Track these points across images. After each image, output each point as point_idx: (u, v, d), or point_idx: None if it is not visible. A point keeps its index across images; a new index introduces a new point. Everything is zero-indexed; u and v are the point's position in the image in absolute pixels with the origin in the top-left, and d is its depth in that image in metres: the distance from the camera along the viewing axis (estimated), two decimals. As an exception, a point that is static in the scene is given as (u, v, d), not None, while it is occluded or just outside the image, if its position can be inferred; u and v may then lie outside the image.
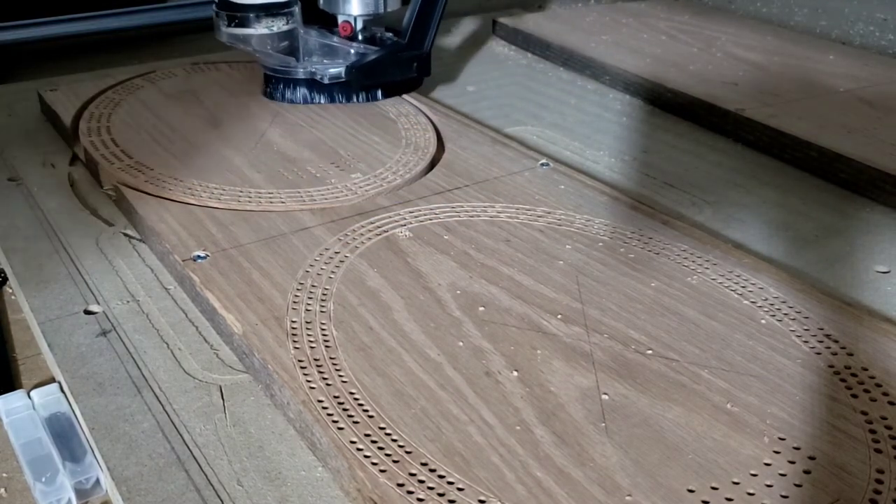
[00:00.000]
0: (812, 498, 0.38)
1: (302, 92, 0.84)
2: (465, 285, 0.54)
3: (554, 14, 1.25)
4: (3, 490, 0.44)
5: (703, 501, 0.38)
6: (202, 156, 0.72)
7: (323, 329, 0.49)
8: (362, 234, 0.60)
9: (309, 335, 0.49)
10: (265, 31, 0.81)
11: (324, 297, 0.52)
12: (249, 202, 0.64)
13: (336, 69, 0.84)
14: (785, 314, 0.51)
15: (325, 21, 0.88)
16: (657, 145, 0.83)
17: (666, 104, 0.91)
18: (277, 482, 0.42)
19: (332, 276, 0.55)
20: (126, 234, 0.64)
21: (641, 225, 0.62)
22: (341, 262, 0.56)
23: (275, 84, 0.85)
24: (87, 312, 0.55)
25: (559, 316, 0.51)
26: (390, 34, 0.89)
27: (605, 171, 0.77)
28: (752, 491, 0.39)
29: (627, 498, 0.38)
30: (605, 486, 0.39)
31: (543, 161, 0.72)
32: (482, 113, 0.90)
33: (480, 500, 0.38)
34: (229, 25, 0.80)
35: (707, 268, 0.56)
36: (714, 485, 0.39)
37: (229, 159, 0.71)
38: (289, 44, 0.84)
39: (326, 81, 0.83)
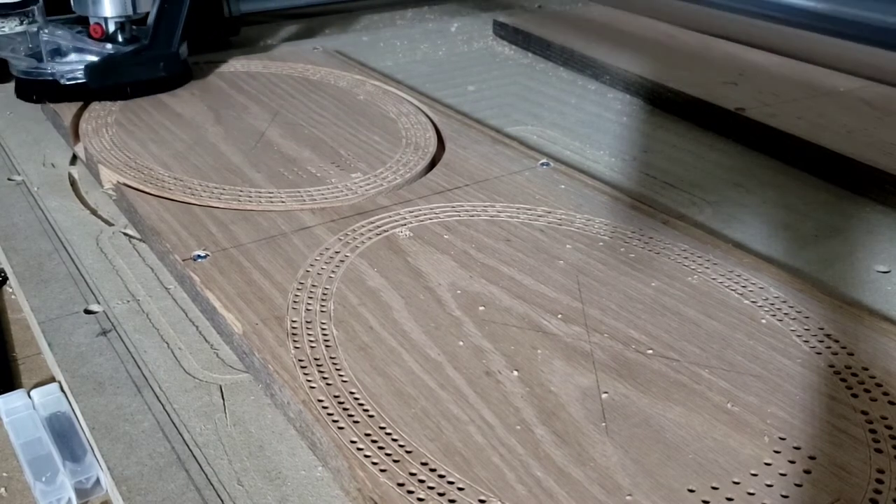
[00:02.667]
0: (812, 498, 0.38)
1: (49, 93, 0.83)
2: (465, 285, 0.54)
3: (554, 14, 1.25)
4: (3, 490, 0.44)
5: (703, 501, 0.38)
6: (202, 155, 0.72)
7: (323, 329, 0.49)
8: (362, 234, 0.60)
9: (309, 335, 0.49)
10: None
11: (324, 297, 0.52)
12: (250, 202, 0.64)
13: (75, 71, 0.82)
14: (785, 314, 0.51)
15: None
16: (657, 145, 0.83)
17: (666, 104, 0.91)
18: (278, 482, 0.42)
19: (332, 275, 0.55)
20: (126, 234, 0.64)
21: (642, 225, 0.62)
22: (342, 261, 0.56)
23: (22, 86, 0.85)
24: (87, 312, 0.55)
25: (559, 315, 0.51)
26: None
27: (605, 170, 0.77)
28: (752, 491, 0.39)
29: (628, 498, 0.38)
30: (605, 486, 0.39)
31: (544, 161, 0.72)
32: (482, 113, 0.90)
33: (481, 500, 0.38)
34: None
35: (707, 268, 0.56)
36: (714, 484, 0.39)
37: (229, 159, 0.71)
38: (32, 45, 0.83)
39: (64, 82, 0.82)
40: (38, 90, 0.83)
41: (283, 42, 1.16)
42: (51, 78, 0.82)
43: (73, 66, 0.82)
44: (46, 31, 0.83)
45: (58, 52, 0.83)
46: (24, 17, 0.79)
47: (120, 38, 0.85)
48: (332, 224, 0.61)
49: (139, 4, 0.85)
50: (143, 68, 0.84)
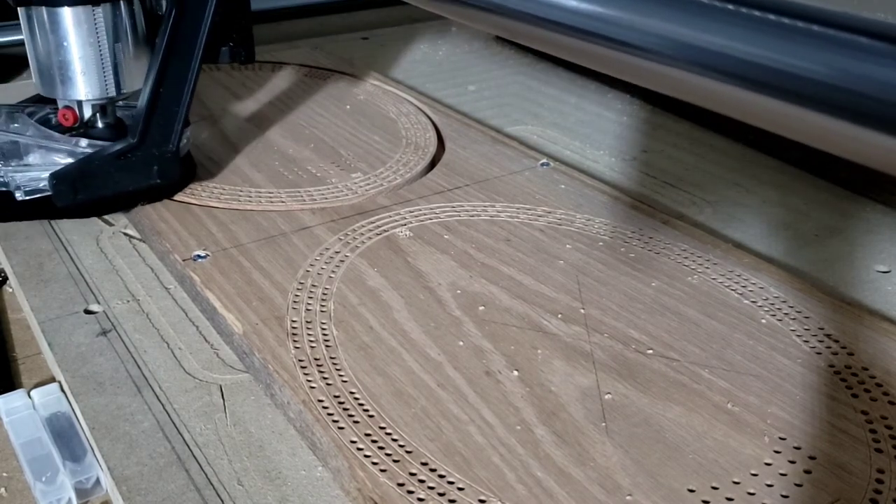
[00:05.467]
0: (812, 498, 0.38)
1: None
2: (465, 285, 0.54)
3: (554, 14, 1.25)
4: (3, 490, 0.44)
5: (703, 501, 0.38)
6: (202, 155, 0.72)
7: (323, 329, 0.49)
8: (362, 234, 0.60)
9: (309, 335, 0.49)
10: None
11: (324, 297, 0.52)
12: (250, 201, 0.64)
13: (37, 181, 0.59)
14: (785, 314, 0.51)
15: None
16: (657, 145, 0.83)
17: (667, 104, 0.91)
18: (278, 482, 0.42)
19: (332, 275, 0.55)
20: (126, 234, 0.64)
21: (642, 224, 0.62)
22: (342, 261, 0.56)
23: None
24: (88, 312, 0.55)
25: (559, 315, 0.51)
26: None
27: (605, 170, 0.77)
28: (752, 490, 0.39)
29: (628, 498, 0.38)
30: (605, 486, 0.39)
31: (544, 161, 0.72)
32: (482, 112, 0.90)
33: (481, 500, 0.38)
34: None
35: (707, 267, 0.56)
36: (714, 484, 0.39)
37: (229, 158, 0.71)
38: None
39: (20, 197, 0.59)
40: None
41: (282, 42, 1.16)
42: (1, 189, 0.60)
43: (34, 173, 0.59)
44: (2, 126, 0.61)
45: (11, 153, 0.60)
46: None
47: (100, 125, 0.64)
48: (332, 224, 0.61)
49: (124, 82, 0.63)
50: (130, 175, 0.61)
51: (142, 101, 0.62)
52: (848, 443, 0.41)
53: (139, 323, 0.54)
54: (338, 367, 0.46)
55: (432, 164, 0.72)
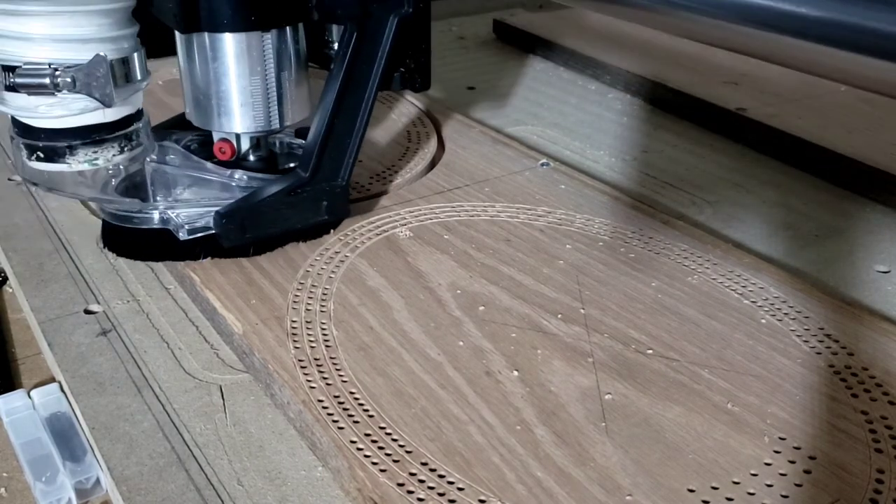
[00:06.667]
0: (812, 498, 0.38)
1: (153, 249, 0.57)
2: (465, 285, 0.54)
3: (554, 14, 1.25)
4: (3, 490, 0.44)
5: (703, 501, 0.38)
6: (202, 155, 0.72)
7: (323, 329, 0.49)
8: (362, 234, 0.60)
9: (309, 335, 0.49)
10: (84, 166, 0.51)
11: (324, 297, 0.52)
12: (250, 202, 0.64)
13: (204, 218, 0.55)
14: (785, 314, 0.51)
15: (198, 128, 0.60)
16: (658, 145, 0.83)
17: (666, 104, 0.91)
18: (278, 482, 0.42)
19: (332, 275, 0.55)
20: (126, 234, 0.64)
21: (642, 225, 0.62)
22: (342, 261, 0.56)
23: (114, 235, 0.58)
24: (88, 312, 0.55)
25: (559, 316, 0.51)
26: (302, 150, 0.60)
27: (605, 170, 0.77)
28: (752, 491, 0.39)
29: (628, 498, 0.38)
30: (605, 486, 0.39)
31: (544, 161, 0.72)
32: (482, 113, 0.90)
33: (481, 500, 0.38)
34: (30, 158, 0.51)
35: (707, 268, 0.56)
36: (714, 484, 0.39)
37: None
38: (132, 179, 0.56)
39: (184, 237, 0.55)
40: (138, 243, 0.58)
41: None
42: (160, 227, 0.56)
43: (195, 209, 0.56)
44: (154, 156, 0.56)
45: (163, 184, 0.57)
46: (126, 141, 0.52)
47: (251, 158, 0.60)
48: (332, 224, 0.61)
49: (287, 114, 0.58)
50: (298, 211, 0.57)
51: (313, 133, 0.57)
52: (848, 443, 0.41)
53: (139, 323, 0.54)
54: (338, 367, 0.46)
55: (432, 164, 0.72)
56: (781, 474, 0.40)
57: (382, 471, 0.39)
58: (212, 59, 0.55)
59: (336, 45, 0.60)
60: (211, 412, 0.46)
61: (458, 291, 0.53)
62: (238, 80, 0.55)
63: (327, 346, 0.48)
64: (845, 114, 0.83)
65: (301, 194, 0.57)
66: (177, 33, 0.56)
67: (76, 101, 0.49)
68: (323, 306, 0.51)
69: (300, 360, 0.46)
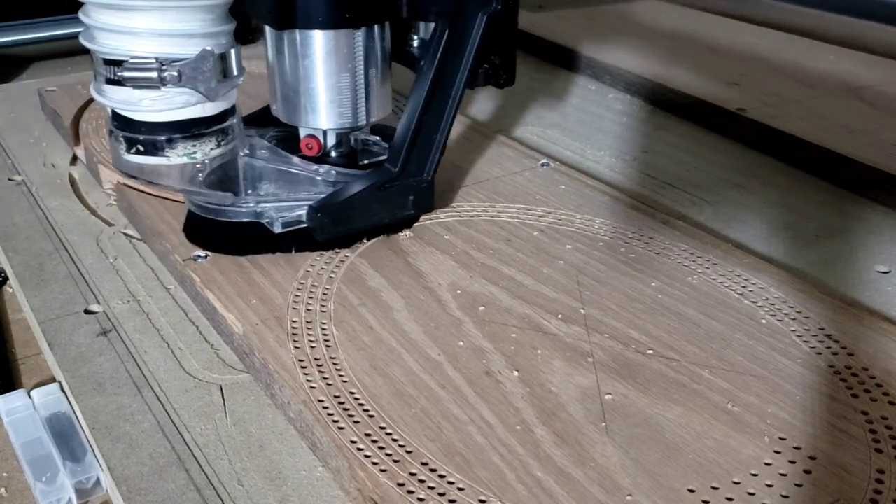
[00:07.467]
0: (812, 498, 0.38)
1: (243, 242, 0.57)
2: (465, 285, 0.54)
3: (554, 14, 1.25)
4: (3, 490, 0.44)
5: (703, 501, 0.38)
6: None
7: (323, 329, 0.49)
8: (363, 234, 0.60)
9: (309, 335, 0.49)
10: (183, 159, 0.54)
11: (324, 297, 0.52)
12: (250, 202, 0.64)
13: (294, 211, 0.56)
14: (785, 314, 0.51)
15: (279, 123, 0.61)
16: (658, 145, 0.83)
17: (667, 104, 0.91)
18: (278, 482, 0.42)
19: (332, 275, 0.55)
20: (126, 234, 0.64)
21: (642, 225, 0.62)
22: (342, 261, 0.56)
23: (200, 229, 0.58)
24: (88, 312, 0.55)
25: (559, 316, 0.51)
26: (383, 145, 0.64)
27: (605, 171, 0.77)
28: (752, 491, 0.39)
29: (628, 498, 0.38)
30: (605, 486, 0.39)
31: (544, 161, 0.72)
32: (482, 113, 0.90)
33: (481, 500, 0.38)
34: (129, 151, 0.53)
35: (707, 268, 0.56)
36: (714, 484, 0.39)
37: (230, 159, 0.71)
38: (222, 172, 0.57)
39: (278, 230, 0.56)
40: (229, 235, 0.57)
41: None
42: (252, 220, 0.57)
43: (291, 204, 0.57)
44: (246, 150, 0.59)
45: (257, 182, 0.58)
46: (223, 135, 0.55)
47: (333, 155, 0.61)
48: (332, 224, 0.61)
49: (373, 111, 0.59)
50: (386, 206, 0.58)
51: (402, 128, 0.58)
52: (848, 443, 0.41)
53: (139, 323, 0.54)
54: (338, 367, 0.46)
55: (432, 165, 0.72)
56: (781, 474, 0.40)
57: (382, 471, 0.39)
58: (303, 56, 0.56)
59: (415, 44, 0.62)
60: (211, 412, 0.46)
61: (459, 291, 0.53)
62: (328, 77, 0.56)
63: (327, 346, 0.48)
64: (845, 114, 0.83)
65: (390, 189, 0.58)
66: (267, 30, 0.57)
67: (178, 95, 0.51)
68: (323, 306, 0.51)
69: (300, 360, 0.46)
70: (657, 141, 0.84)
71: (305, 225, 0.56)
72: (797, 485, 0.39)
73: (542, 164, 0.72)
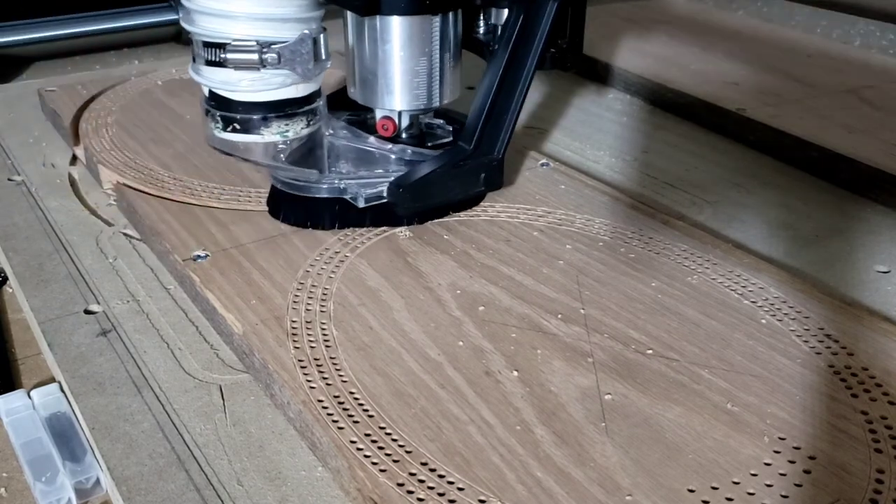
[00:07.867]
0: (812, 498, 0.38)
1: (328, 217, 0.60)
2: (465, 285, 0.54)
3: (554, 14, 1.25)
4: (3, 490, 0.44)
5: (703, 501, 0.38)
6: (202, 155, 0.72)
7: (323, 329, 0.49)
8: (363, 234, 0.60)
9: (309, 335, 0.49)
10: (276, 137, 0.57)
11: (324, 297, 0.52)
12: (250, 202, 0.64)
13: (374, 187, 0.60)
14: (785, 314, 0.51)
15: (353, 106, 0.64)
16: (658, 145, 0.83)
17: (667, 104, 0.91)
18: (278, 482, 0.42)
19: (332, 275, 0.55)
20: (126, 234, 0.64)
21: (642, 225, 0.62)
22: (342, 261, 0.56)
23: (288, 205, 0.61)
24: (88, 312, 0.55)
25: (559, 316, 0.51)
26: (446, 128, 0.66)
27: (605, 170, 0.77)
28: (752, 491, 0.39)
29: (628, 498, 0.38)
30: (605, 486, 0.39)
31: (544, 161, 0.72)
32: (482, 113, 0.90)
33: (481, 500, 0.38)
34: (225, 129, 0.57)
35: (707, 268, 0.56)
36: (714, 484, 0.39)
37: (229, 158, 0.71)
38: (308, 151, 0.60)
39: (362, 205, 0.60)
40: (313, 210, 0.60)
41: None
42: (338, 196, 0.60)
43: (372, 181, 0.60)
44: (331, 130, 0.61)
45: (338, 160, 0.62)
46: (312, 115, 0.58)
47: (404, 136, 0.64)
48: (332, 224, 0.61)
49: (445, 94, 0.62)
50: (460, 183, 0.61)
51: (476, 108, 0.61)
52: (848, 443, 0.41)
53: (139, 323, 0.54)
54: (337, 368, 0.46)
55: (432, 165, 0.72)
56: (781, 474, 0.40)
57: (382, 471, 0.39)
58: (382, 41, 0.59)
59: (481, 30, 0.66)
60: (211, 412, 0.46)
61: (458, 291, 0.53)
62: (406, 61, 0.60)
63: (327, 346, 0.48)
64: (845, 114, 0.83)
65: (463, 166, 0.61)
66: (349, 16, 0.60)
67: (275, 76, 0.55)
68: (323, 306, 0.51)
69: (300, 361, 0.46)
70: (657, 141, 0.84)
71: (384, 200, 0.60)
72: (797, 485, 0.39)
73: (542, 164, 0.72)
